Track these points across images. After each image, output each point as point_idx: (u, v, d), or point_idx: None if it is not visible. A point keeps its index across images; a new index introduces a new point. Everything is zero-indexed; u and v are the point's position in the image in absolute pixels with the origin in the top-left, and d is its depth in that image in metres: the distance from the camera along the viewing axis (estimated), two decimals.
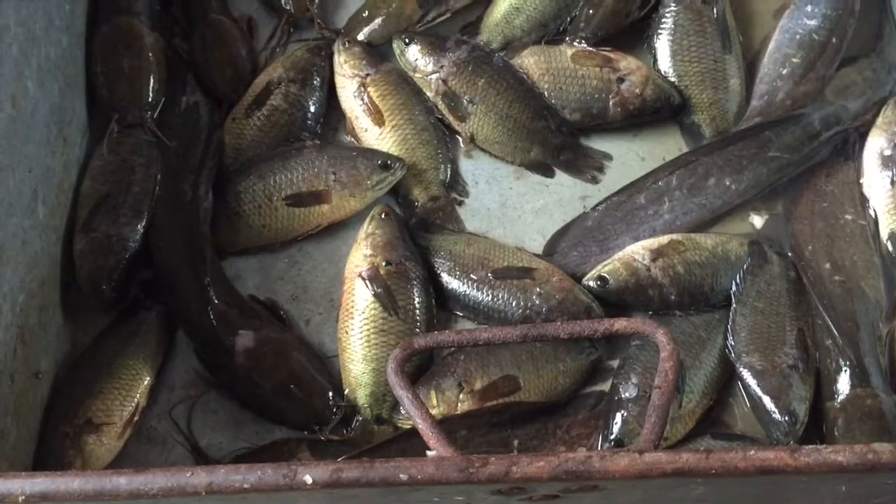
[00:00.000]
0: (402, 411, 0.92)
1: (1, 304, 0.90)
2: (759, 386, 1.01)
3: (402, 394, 0.77)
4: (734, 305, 1.06)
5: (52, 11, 1.05)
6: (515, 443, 1.00)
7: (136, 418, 0.99)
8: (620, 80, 1.15)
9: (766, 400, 1.00)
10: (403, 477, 0.67)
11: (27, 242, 0.97)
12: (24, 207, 0.97)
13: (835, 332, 1.03)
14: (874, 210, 1.11)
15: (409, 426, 0.97)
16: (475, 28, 1.22)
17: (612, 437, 0.98)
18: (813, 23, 1.19)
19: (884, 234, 1.10)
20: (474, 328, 1.02)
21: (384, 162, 1.10)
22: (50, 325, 1.01)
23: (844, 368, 1.02)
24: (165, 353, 1.04)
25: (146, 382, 1.01)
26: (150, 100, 1.14)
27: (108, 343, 1.03)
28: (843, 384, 1.01)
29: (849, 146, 1.15)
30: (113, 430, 0.97)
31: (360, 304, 1.03)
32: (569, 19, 1.20)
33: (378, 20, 1.19)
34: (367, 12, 1.20)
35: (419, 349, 0.82)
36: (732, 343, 1.04)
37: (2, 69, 0.93)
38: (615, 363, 1.04)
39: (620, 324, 0.83)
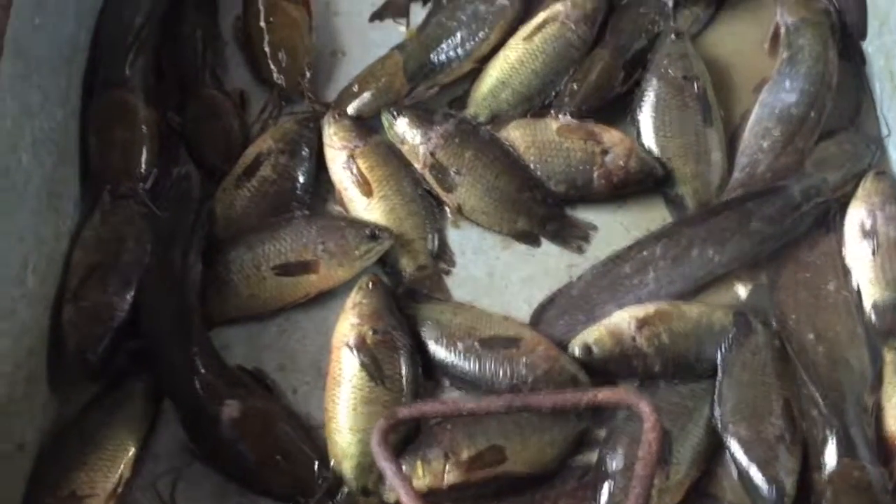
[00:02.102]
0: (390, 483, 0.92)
1: None
2: (746, 457, 1.00)
3: (385, 465, 0.77)
4: (720, 375, 1.06)
5: (47, 86, 1.07)
6: None
7: (119, 490, 0.98)
8: (604, 152, 1.17)
9: (754, 472, 1.00)
10: None
11: (16, 312, 0.98)
12: (14, 276, 0.98)
13: (820, 402, 1.03)
14: (857, 281, 1.13)
15: (394, 499, 0.97)
16: (462, 102, 1.24)
17: None
18: (792, 97, 1.22)
19: (867, 304, 1.11)
20: (459, 398, 1.02)
21: (372, 232, 1.11)
22: (36, 395, 1.01)
23: (831, 439, 1.02)
24: (151, 423, 1.03)
25: (131, 453, 1.00)
26: (142, 171, 1.15)
27: (94, 414, 1.03)
28: (830, 455, 1.01)
29: (830, 217, 1.17)
30: (96, 503, 0.96)
31: (346, 373, 1.03)
32: (554, 93, 1.23)
33: (367, 94, 1.22)
34: (356, 86, 1.23)
35: (403, 420, 0.83)
36: (719, 413, 1.04)
37: None
38: (603, 432, 1.05)
39: (604, 394, 0.83)
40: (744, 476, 1.00)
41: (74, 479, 0.97)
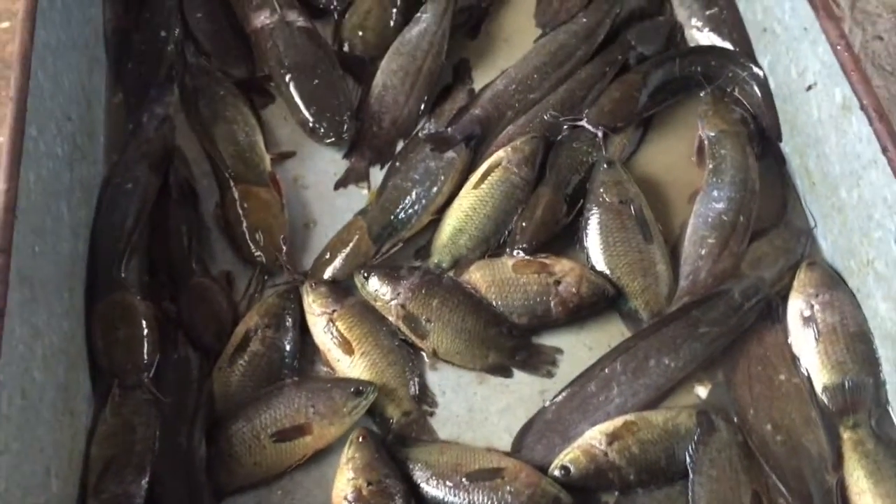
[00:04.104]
0: None
1: None
2: None
3: None
4: (691, 476, 1.14)
5: (52, 303, 1.19)
6: None
7: None
8: (557, 282, 1.28)
9: None
10: None
11: None
12: (39, 485, 1.08)
13: (785, 491, 1.11)
14: (805, 368, 1.22)
15: None
16: (426, 251, 1.37)
17: None
18: (721, 206, 1.33)
19: (818, 388, 1.20)
20: None
21: (357, 389, 1.21)
22: None
23: None
24: None
25: None
26: (145, 362, 1.26)
27: None
28: None
29: (773, 310, 1.27)
30: None
31: None
32: (507, 232, 1.35)
33: (339, 259, 1.34)
34: (328, 254, 1.35)
35: None
36: None
37: (10, 369, 1.05)
38: None
39: None
40: None
41: None
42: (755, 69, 1.44)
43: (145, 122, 1.50)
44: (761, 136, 1.41)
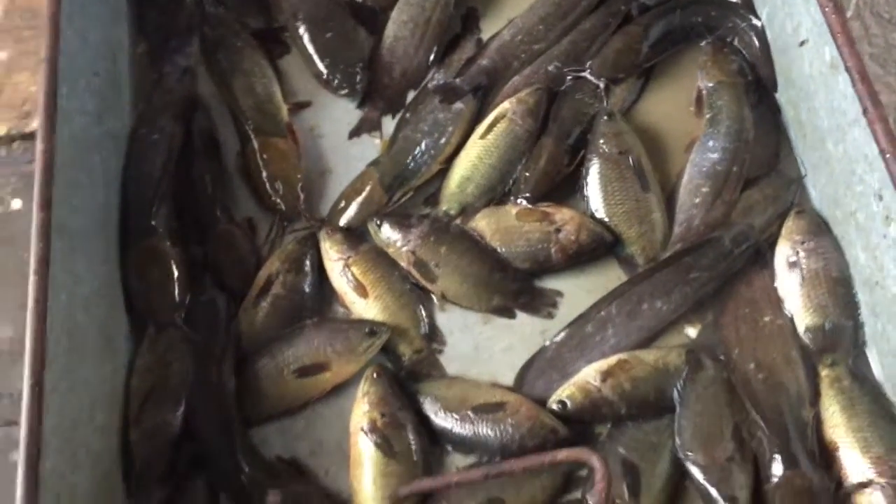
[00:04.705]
0: None
1: (82, 500, 1.12)
2: (703, 479, 1.18)
3: None
4: (678, 410, 1.24)
5: (90, 251, 1.29)
6: None
7: None
8: (558, 230, 1.36)
9: (711, 491, 1.18)
10: None
11: (90, 445, 1.19)
12: (86, 417, 1.19)
13: (762, 425, 1.21)
14: (789, 310, 1.30)
15: None
16: (435, 198, 1.45)
17: None
18: (715, 156, 1.39)
19: (800, 329, 1.29)
20: (448, 474, 1.21)
21: (371, 329, 1.31)
22: None
23: (775, 455, 1.19)
24: None
25: None
26: (177, 302, 1.36)
27: None
28: (777, 468, 1.19)
29: (762, 255, 1.35)
30: None
31: (364, 454, 1.23)
32: (511, 181, 1.43)
33: (353, 208, 1.42)
34: (343, 202, 1.44)
35: (403, 497, 1.03)
36: (679, 443, 1.22)
37: (56, 314, 1.15)
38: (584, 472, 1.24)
39: (563, 454, 1.03)
40: (703, 495, 1.19)
41: None
42: (754, 20, 1.48)
43: (168, 73, 1.57)
44: (758, 85, 1.46)
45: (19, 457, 1.05)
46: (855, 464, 1.18)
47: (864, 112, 1.12)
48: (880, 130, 1.11)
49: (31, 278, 1.13)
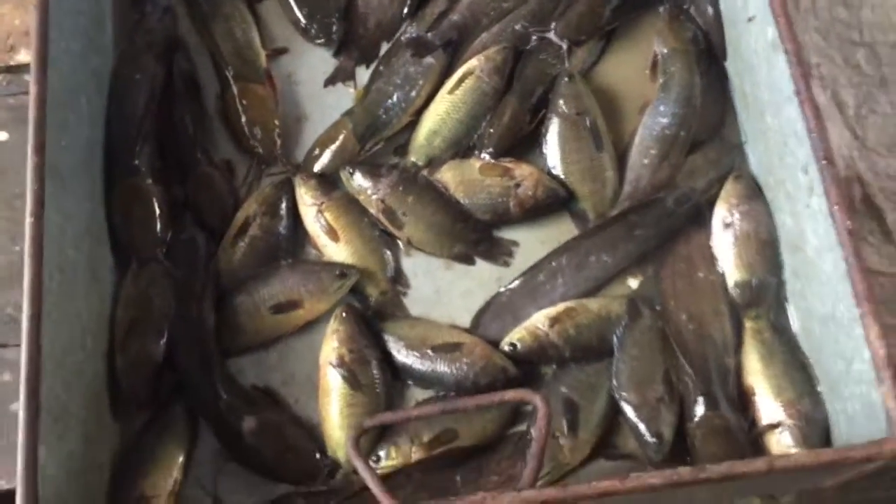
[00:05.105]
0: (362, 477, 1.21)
1: (74, 422, 1.24)
2: (635, 416, 1.32)
3: (357, 463, 1.11)
4: (616, 354, 1.37)
5: (77, 189, 1.35)
6: (458, 478, 1.33)
7: (176, 489, 1.31)
8: (517, 185, 1.46)
9: (641, 427, 1.31)
10: None
11: (82, 371, 1.29)
12: (78, 345, 1.29)
13: (689, 371, 1.35)
14: (721, 267, 1.43)
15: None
16: (404, 149, 1.54)
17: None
18: (665, 120, 1.50)
19: (730, 284, 1.42)
20: (407, 408, 1.35)
21: (341, 271, 1.42)
22: (105, 427, 1.34)
23: (699, 398, 1.33)
24: (192, 437, 1.35)
25: (180, 461, 1.32)
26: (159, 239, 1.45)
27: (148, 435, 1.34)
28: (699, 409, 1.32)
29: (701, 215, 1.47)
30: (160, 502, 1.30)
31: (332, 385, 1.35)
32: (476, 136, 1.52)
33: (326, 155, 1.51)
34: (317, 150, 1.52)
35: (368, 428, 1.16)
36: (615, 384, 1.34)
37: (50, 250, 1.23)
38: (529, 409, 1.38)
39: (509, 394, 1.16)
40: (634, 430, 1.32)
41: (141, 486, 1.29)
42: None
43: (149, 13, 1.63)
44: (709, 53, 1.56)
45: (20, 380, 1.15)
46: (768, 407, 1.32)
47: (797, 93, 1.23)
48: (809, 111, 1.22)
49: (28, 220, 1.21)
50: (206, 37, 1.60)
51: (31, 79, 1.29)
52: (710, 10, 1.57)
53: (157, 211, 1.47)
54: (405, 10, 1.62)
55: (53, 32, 1.35)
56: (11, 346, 1.47)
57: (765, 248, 1.41)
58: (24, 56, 1.66)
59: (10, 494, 1.38)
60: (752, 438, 1.32)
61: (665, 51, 1.55)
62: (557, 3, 1.60)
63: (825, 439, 1.29)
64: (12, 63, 1.67)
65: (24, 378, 1.15)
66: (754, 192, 1.45)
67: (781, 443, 1.30)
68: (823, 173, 1.19)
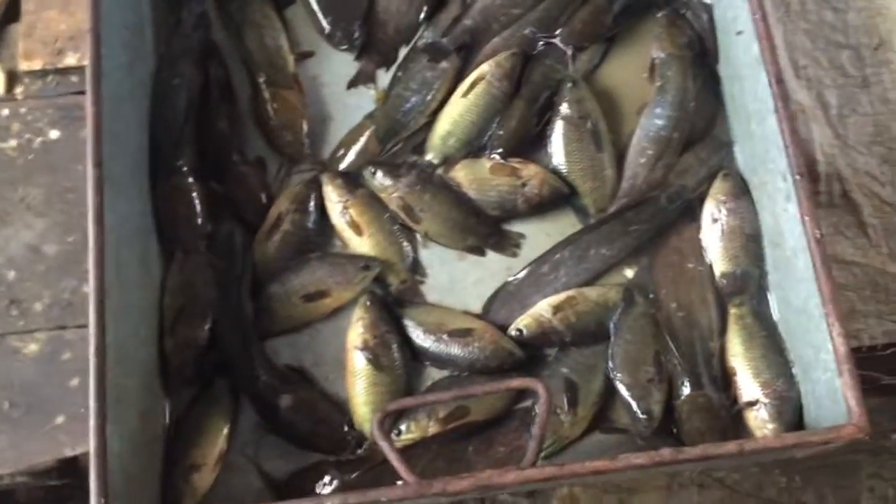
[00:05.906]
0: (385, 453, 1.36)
1: (133, 399, 1.41)
2: (627, 395, 1.47)
3: (382, 443, 1.27)
4: (612, 338, 1.52)
5: (128, 191, 1.49)
6: (470, 448, 1.49)
7: (222, 457, 1.48)
8: (524, 184, 1.60)
9: (633, 404, 1.46)
10: (384, 499, 1.18)
11: (138, 353, 1.46)
12: (133, 332, 1.45)
13: (677, 354, 1.51)
14: (709, 259, 1.57)
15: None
16: (421, 147, 1.67)
17: None
18: (661, 122, 1.62)
19: (717, 274, 1.56)
20: (425, 394, 1.50)
21: (365, 264, 1.57)
22: (156, 401, 1.51)
23: (684, 378, 1.49)
24: (235, 411, 1.51)
25: (225, 432, 1.48)
26: (201, 232, 1.60)
27: (196, 408, 1.50)
28: (685, 388, 1.48)
29: (692, 211, 1.61)
30: (208, 468, 1.45)
31: (358, 367, 1.51)
32: (487, 137, 1.65)
33: (350, 155, 1.66)
34: (342, 150, 1.66)
35: (391, 412, 1.33)
36: (611, 366, 1.50)
37: (109, 249, 1.38)
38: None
39: (514, 383, 1.32)
40: (627, 407, 1.48)
41: (192, 455, 1.45)
42: None
43: (185, 19, 1.76)
44: (704, 57, 1.68)
45: (90, 368, 1.32)
46: (748, 386, 1.47)
47: (776, 110, 1.36)
48: (786, 128, 1.35)
49: (91, 227, 1.34)
50: (238, 44, 1.73)
51: (87, 100, 1.41)
52: (704, 16, 1.68)
53: (199, 207, 1.61)
54: (422, 16, 1.75)
55: (104, 49, 1.49)
56: (70, 328, 1.65)
57: (749, 242, 1.55)
58: (72, 59, 1.80)
59: (74, 460, 1.58)
60: (732, 415, 1.48)
61: (662, 55, 1.67)
62: (563, 11, 1.72)
63: (798, 416, 1.45)
64: (60, 66, 1.80)
65: (93, 368, 1.30)
66: (741, 190, 1.58)
67: (758, 419, 1.45)
68: (797, 186, 1.32)
